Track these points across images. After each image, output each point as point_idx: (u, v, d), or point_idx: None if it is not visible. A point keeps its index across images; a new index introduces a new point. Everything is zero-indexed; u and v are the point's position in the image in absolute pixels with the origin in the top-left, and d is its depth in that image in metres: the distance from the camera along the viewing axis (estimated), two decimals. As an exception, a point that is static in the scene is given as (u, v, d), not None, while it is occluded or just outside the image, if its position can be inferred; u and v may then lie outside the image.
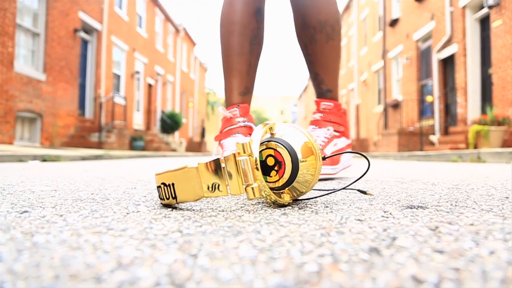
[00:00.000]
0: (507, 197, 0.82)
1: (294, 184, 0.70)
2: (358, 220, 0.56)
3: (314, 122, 1.49)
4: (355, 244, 0.41)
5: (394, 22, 13.28)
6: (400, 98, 12.67)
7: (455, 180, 1.37)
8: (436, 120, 10.20)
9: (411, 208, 0.68)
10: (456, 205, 0.71)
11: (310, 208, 0.68)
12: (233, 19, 1.46)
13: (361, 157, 1.07)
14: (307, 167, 0.69)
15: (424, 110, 11.40)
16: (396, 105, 12.96)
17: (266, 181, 0.70)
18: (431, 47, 10.75)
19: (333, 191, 0.80)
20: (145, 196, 0.86)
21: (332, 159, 1.40)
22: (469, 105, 8.69)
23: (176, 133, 18.76)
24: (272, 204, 0.71)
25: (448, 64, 9.99)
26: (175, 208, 0.68)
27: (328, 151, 1.40)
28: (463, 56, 8.81)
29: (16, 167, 2.59)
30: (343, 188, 0.81)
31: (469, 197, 0.84)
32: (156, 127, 16.66)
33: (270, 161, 0.70)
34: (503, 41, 7.34)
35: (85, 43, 10.72)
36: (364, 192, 0.88)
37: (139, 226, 0.51)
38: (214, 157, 0.64)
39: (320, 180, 1.40)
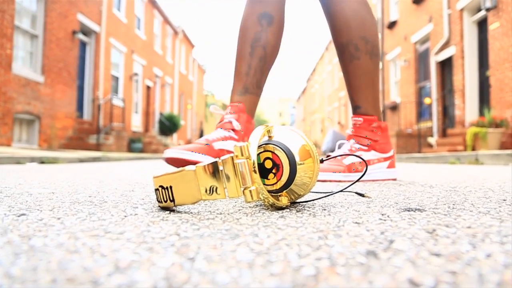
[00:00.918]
0: (504, 200, 0.82)
1: (292, 186, 0.70)
2: (356, 223, 0.56)
3: (347, 137, 1.59)
4: (352, 247, 0.42)
5: (392, 25, 13.32)
6: (398, 100, 12.69)
7: (453, 182, 1.37)
8: (434, 122, 10.23)
9: (408, 210, 0.68)
10: (453, 208, 0.71)
11: (308, 210, 0.68)
12: (240, 25, 1.59)
13: (358, 159, 1.09)
14: (305, 170, 0.69)
15: (422, 112, 11.43)
16: (394, 107, 12.99)
17: (264, 184, 0.70)
18: (429, 49, 10.79)
19: (331, 193, 0.80)
20: (143, 199, 0.85)
21: (349, 167, 1.46)
22: (467, 107, 8.72)
23: (175, 135, 18.75)
24: (270, 207, 0.71)
25: (446, 66, 10.02)
26: (173, 211, 0.68)
27: (347, 163, 1.47)
28: (461, 58, 8.84)
29: (14, 169, 2.58)
30: (341, 191, 0.81)
31: (467, 199, 0.84)
32: (155, 129, 16.65)
33: (268, 164, 0.70)
34: (500, 43, 7.37)
35: (83, 45, 10.71)
36: (362, 195, 0.88)
37: (136, 229, 0.51)
38: (212, 160, 0.64)
39: (319, 181, 1.42)
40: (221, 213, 0.65)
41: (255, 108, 1.58)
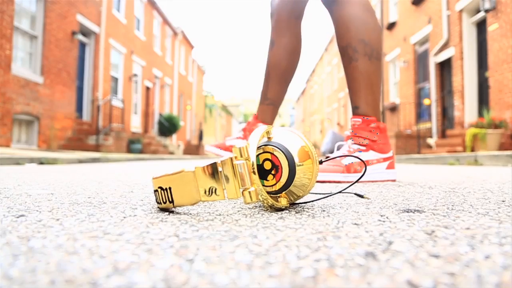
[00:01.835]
0: (503, 201, 0.83)
1: (291, 188, 0.70)
2: (355, 224, 0.56)
3: (345, 137, 1.63)
4: (351, 248, 0.42)
5: (391, 26, 13.34)
6: (398, 101, 12.71)
7: (452, 183, 1.37)
8: (434, 123, 10.24)
9: (407, 212, 0.68)
10: (452, 209, 0.71)
11: (307, 212, 0.68)
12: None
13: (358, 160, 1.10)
14: (304, 171, 0.69)
15: (421, 113, 11.44)
16: (393, 108, 13.00)
17: (263, 185, 0.70)
18: (428, 50, 10.80)
19: (330, 194, 0.81)
20: (142, 200, 0.85)
21: (347, 167, 1.48)
22: (466, 108, 8.73)
23: (174, 136, 18.74)
24: (269, 208, 0.71)
25: (445, 67, 10.03)
26: (172, 212, 0.68)
27: (345, 163, 1.49)
28: (460, 59, 8.86)
29: (13, 170, 2.58)
30: (340, 192, 0.81)
31: (466, 200, 0.84)
32: (154, 130, 16.65)
33: (267, 165, 0.70)
34: (499, 44, 7.38)
35: (83, 45, 10.71)
36: (361, 196, 0.88)
37: (135, 231, 0.51)
38: (211, 161, 0.64)
39: (319, 182, 1.43)
40: (220, 214, 0.65)
41: (267, 115, 1.84)
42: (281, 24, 1.77)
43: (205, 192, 0.63)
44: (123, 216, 0.63)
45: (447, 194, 0.98)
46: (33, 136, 8.23)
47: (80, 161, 5.22)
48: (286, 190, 0.70)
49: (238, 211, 0.70)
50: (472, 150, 6.96)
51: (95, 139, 9.63)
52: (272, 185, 0.70)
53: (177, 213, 0.67)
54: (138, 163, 5.71)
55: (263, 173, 0.70)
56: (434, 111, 10.23)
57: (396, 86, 13.53)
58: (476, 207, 0.73)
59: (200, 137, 23.14)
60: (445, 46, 9.58)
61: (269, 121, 1.83)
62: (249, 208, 0.73)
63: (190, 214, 0.66)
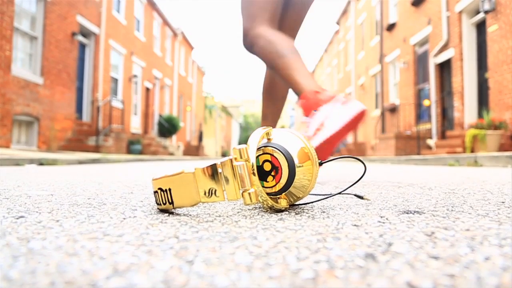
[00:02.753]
0: (503, 202, 0.83)
1: (291, 189, 0.70)
2: (355, 225, 0.56)
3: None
4: (351, 250, 0.42)
5: (391, 27, 13.35)
6: (397, 102, 12.71)
7: (452, 185, 1.38)
8: (433, 124, 10.24)
9: (407, 213, 0.68)
10: (452, 210, 0.71)
11: (307, 213, 0.68)
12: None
13: (358, 161, 1.07)
14: (303, 172, 0.69)
15: (421, 114, 11.44)
16: (393, 109, 13.01)
17: (263, 186, 0.70)
18: (428, 51, 10.81)
19: (330, 195, 0.80)
20: (142, 201, 0.85)
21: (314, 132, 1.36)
22: (466, 109, 8.73)
23: (174, 137, 18.74)
24: (269, 209, 0.71)
25: (445, 68, 10.04)
26: (172, 213, 0.68)
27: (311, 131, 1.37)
28: (460, 60, 8.86)
29: (12, 171, 2.58)
30: (340, 193, 0.81)
31: (466, 201, 0.84)
32: (154, 131, 16.64)
33: (267, 166, 0.70)
34: (499, 45, 7.39)
35: (83, 46, 10.72)
36: (361, 197, 0.88)
37: (135, 232, 0.51)
38: (211, 162, 0.64)
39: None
40: (220, 216, 0.65)
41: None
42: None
43: (205, 194, 0.63)
44: (123, 217, 0.63)
45: (447, 195, 0.98)
46: (33, 137, 8.22)
47: (80, 162, 5.22)
48: (286, 191, 0.70)
49: (238, 212, 0.70)
50: (472, 151, 6.96)
51: (95, 140, 9.63)
52: (272, 186, 0.70)
53: (177, 214, 0.67)
54: (138, 164, 5.71)
55: (263, 175, 0.70)
56: (434, 112, 10.24)
57: (396, 87, 13.54)
58: (476, 209, 0.73)
59: (200, 138, 23.13)
60: (444, 47, 9.59)
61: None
62: (249, 209, 0.73)
63: (190, 215, 0.66)
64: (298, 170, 0.68)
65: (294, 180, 0.68)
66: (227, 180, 0.63)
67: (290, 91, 1.84)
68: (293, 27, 1.96)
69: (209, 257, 0.39)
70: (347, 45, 20.65)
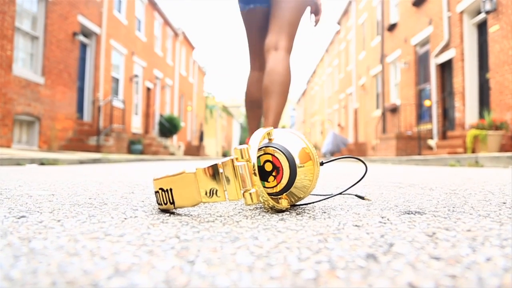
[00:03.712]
0: (504, 203, 0.82)
1: (292, 189, 0.70)
2: (356, 226, 0.56)
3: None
4: (352, 250, 0.42)
5: (392, 27, 13.34)
6: (398, 103, 12.70)
7: (453, 185, 1.37)
8: (434, 125, 10.23)
9: (408, 213, 0.68)
10: (453, 211, 0.71)
11: (308, 213, 0.68)
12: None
13: (359, 161, 1.07)
14: (304, 173, 0.69)
15: (422, 115, 11.43)
16: (394, 109, 13.00)
17: (264, 187, 0.70)
18: (429, 51, 10.80)
19: (331, 196, 0.80)
20: (143, 201, 0.85)
21: None
22: (467, 109, 8.72)
23: (175, 137, 18.74)
24: (270, 209, 0.71)
25: (446, 68, 10.03)
26: (173, 213, 0.68)
27: None
28: (461, 60, 8.85)
29: (13, 170, 2.58)
30: (341, 193, 0.81)
31: (467, 202, 0.84)
32: (155, 131, 16.65)
33: (268, 167, 0.70)
34: (500, 46, 7.38)
35: (84, 46, 10.72)
36: (362, 198, 0.88)
37: (136, 232, 0.51)
38: (212, 163, 0.64)
39: None
40: (221, 216, 0.65)
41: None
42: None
43: (206, 194, 0.63)
44: (124, 217, 0.63)
45: (448, 196, 0.98)
46: (34, 137, 8.23)
47: (81, 162, 5.22)
48: (287, 192, 0.70)
49: (239, 212, 0.70)
50: (473, 151, 6.95)
51: (96, 140, 9.63)
52: (273, 187, 0.70)
53: (178, 214, 0.67)
54: (139, 164, 5.71)
55: (264, 175, 0.70)
56: (435, 112, 10.22)
57: (396, 87, 13.53)
58: (477, 209, 0.73)
59: (201, 138, 23.14)
60: (446, 47, 9.58)
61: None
62: (249, 209, 0.73)
63: (191, 215, 0.66)
64: (299, 171, 0.68)
65: (295, 181, 0.68)
66: (228, 180, 0.63)
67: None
68: (280, 26, 2.03)
69: (210, 257, 0.39)
70: (348, 45, 20.65)
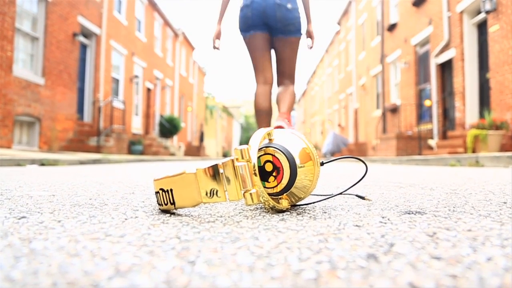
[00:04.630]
0: (505, 202, 0.82)
1: (293, 189, 0.70)
2: (356, 226, 0.56)
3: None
4: (352, 250, 0.42)
5: (392, 27, 13.34)
6: (399, 103, 12.70)
7: (453, 185, 1.37)
8: (435, 125, 10.23)
9: (409, 213, 0.68)
10: (454, 211, 0.71)
11: (308, 213, 0.68)
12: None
13: (359, 161, 1.07)
14: (305, 173, 0.69)
15: (422, 115, 11.43)
16: (394, 110, 13.00)
17: (265, 187, 0.70)
18: (429, 51, 10.80)
19: (331, 196, 0.80)
20: (143, 202, 0.85)
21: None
22: (467, 109, 8.72)
23: (175, 137, 18.74)
24: (270, 209, 0.71)
25: (446, 68, 10.03)
26: (174, 213, 0.68)
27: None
28: (461, 60, 8.85)
29: (14, 171, 2.58)
30: (341, 193, 0.81)
31: (467, 202, 0.84)
32: (155, 131, 16.65)
33: (268, 167, 0.70)
34: (500, 45, 7.38)
35: (84, 47, 10.73)
36: (362, 198, 0.88)
37: (137, 232, 0.51)
38: (212, 163, 0.64)
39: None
40: (221, 216, 0.65)
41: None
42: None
43: (206, 194, 0.63)
44: (125, 217, 0.63)
45: (448, 196, 0.98)
46: (34, 138, 8.24)
47: (81, 163, 5.22)
48: (288, 192, 0.70)
49: (240, 212, 0.70)
50: (473, 151, 6.95)
51: (96, 141, 9.63)
52: (273, 187, 0.70)
53: (179, 214, 0.67)
54: (139, 164, 5.71)
55: (264, 175, 0.70)
56: (435, 112, 10.22)
57: (397, 87, 13.53)
58: (478, 209, 0.73)
59: (201, 138, 23.14)
60: (446, 47, 9.58)
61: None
62: (250, 210, 0.73)
63: (192, 216, 0.66)
64: (299, 171, 0.68)
65: (296, 181, 0.68)
66: (228, 180, 0.63)
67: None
68: (283, 67, 2.72)
69: (211, 257, 0.39)
70: (348, 46, 20.65)
